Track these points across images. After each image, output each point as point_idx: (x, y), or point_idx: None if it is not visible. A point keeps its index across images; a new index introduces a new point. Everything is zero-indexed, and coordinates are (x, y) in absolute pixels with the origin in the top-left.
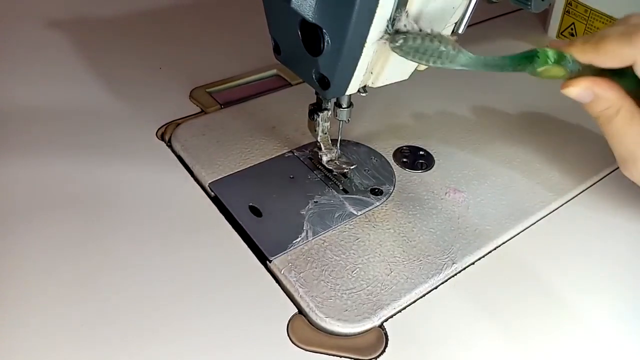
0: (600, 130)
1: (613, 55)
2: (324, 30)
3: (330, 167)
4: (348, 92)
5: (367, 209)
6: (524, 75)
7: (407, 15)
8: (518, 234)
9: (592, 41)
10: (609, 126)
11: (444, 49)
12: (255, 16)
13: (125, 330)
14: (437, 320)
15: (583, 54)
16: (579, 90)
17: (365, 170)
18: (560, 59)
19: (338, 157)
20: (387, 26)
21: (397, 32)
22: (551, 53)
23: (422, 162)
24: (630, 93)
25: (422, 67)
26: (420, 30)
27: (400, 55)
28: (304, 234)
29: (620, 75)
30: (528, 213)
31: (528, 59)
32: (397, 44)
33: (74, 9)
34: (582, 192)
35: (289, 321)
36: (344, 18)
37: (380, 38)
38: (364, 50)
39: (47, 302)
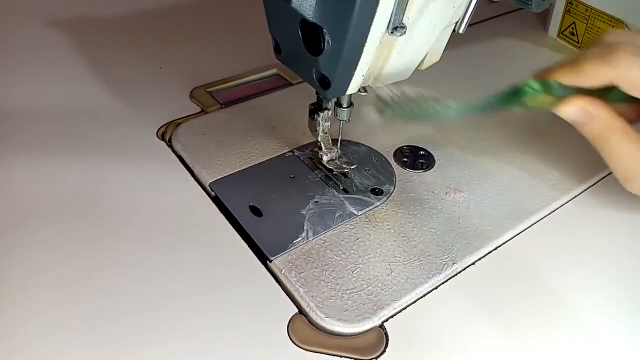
0: (598, 151)
1: (592, 76)
2: (325, 30)
3: (331, 167)
4: (348, 92)
5: (368, 209)
6: (525, 75)
7: (389, 91)
8: (518, 234)
9: (572, 64)
10: (606, 146)
11: (431, 110)
12: (256, 16)
13: (125, 330)
14: (438, 320)
15: (564, 77)
16: (574, 109)
17: (365, 170)
18: (546, 87)
19: (338, 157)
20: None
21: (381, 100)
22: (535, 84)
23: (422, 162)
24: (619, 109)
25: (423, 67)
26: (404, 95)
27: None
28: (304, 234)
29: (606, 92)
30: (528, 213)
31: (515, 95)
32: (388, 117)
33: (74, 8)
34: (582, 192)
35: (289, 321)
36: (345, 17)
37: (375, 111)
38: (365, 49)
39: (47, 302)
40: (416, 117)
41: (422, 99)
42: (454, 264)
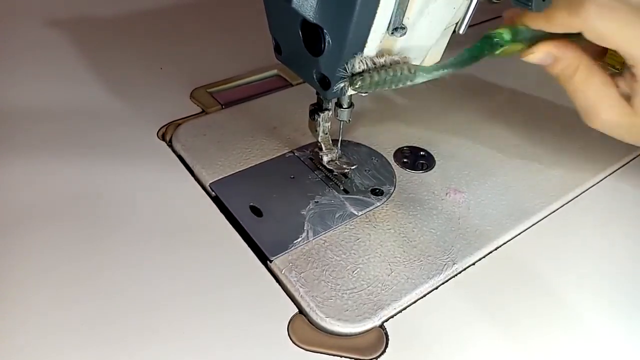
0: (562, 86)
1: (561, 24)
2: (325, 30)
3: (331, 167)
4: (349, 93)
5: (368, 209)
6: (525, 76)
7: (361, 56)
8: (519, 234)
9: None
10: (570, 83)
11: (399, 74)
12: (256, 16)
13: (125, 330)
14: (438, 321)
15: (534, 23)
16: (540, 55)
17: (365, 170)
18: (515, 35)
19: (339, 158)
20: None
21: (353, 74)
22: (506, 33)
23: (422, 163)
24: (586, 48)
25: None
26: (375, 65)
27: (362, 92)
28: (304, 234)
29: (572, 36)
30: (528, 213)
31: (486, 46)
32: (357, 86)
33: (74, 8)
34: (582, 192)
35: (290, 321)
36: (345, 18)
37: (340, 80)
38: (365, 50)
39: (47, 302)
40: (387, 85)
41: (393, 64)
42: (454, 264)
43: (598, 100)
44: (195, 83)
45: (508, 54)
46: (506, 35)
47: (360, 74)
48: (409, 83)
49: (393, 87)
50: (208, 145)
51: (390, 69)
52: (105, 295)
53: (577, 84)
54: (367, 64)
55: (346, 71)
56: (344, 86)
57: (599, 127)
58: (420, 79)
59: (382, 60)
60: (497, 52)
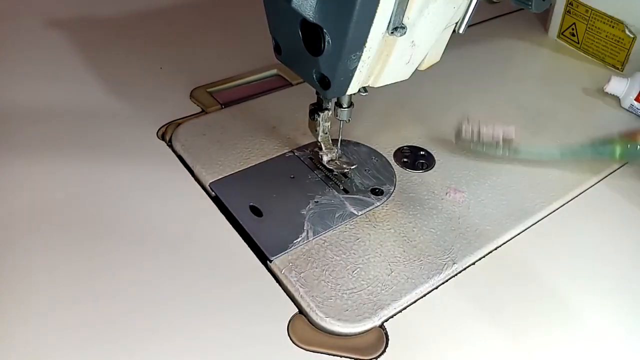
0: None
1: None
2: (325, 30)
3: (331, 167)
4: (348, 92)
5: (368, 209)
6: (525, 76)
7: (467, 121)
8: (518, 234)
9: None
10: None
11: (500, 152)
12: (256, 16)
13: (125, 330)
14: (438, 320)
15: None
16: None
17: (365, 170)
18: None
19: (339, 157)
20: (388, 27)
21: (458, 137)
22: (619, 149)
23: (422, 162)
24: None
25: (423, 67)
26: (479, 135)
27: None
28: (304, 234)
29: None
30: (528, 213)
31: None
32: (459, 143)
33: (74, 8)
34: (582, 192)
35: (290, 321)
36: (345, 18)
37: (454, 139)
38: (365, 50)
39: (47, 302)
40: (492, 154)
41: (496, 142)
42: (454, 264)
43: None
44: (195, 83)
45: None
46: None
47: (465, 140)
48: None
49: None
50: (208, 145)
51: (492, 146)
52: (105, 295)
53: None
54: (473, 134)
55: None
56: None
57: None
58: (525, 157)
59: (488, 137)
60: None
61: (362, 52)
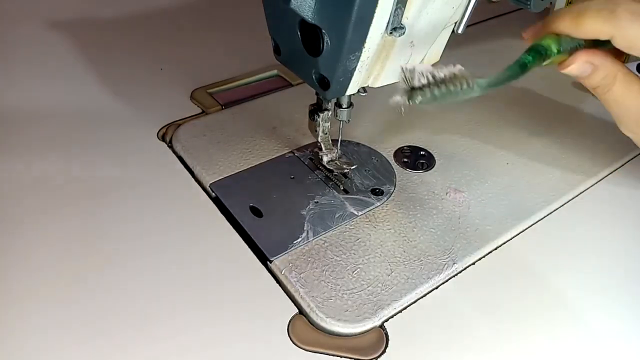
0: (600, 99)
1: (591, 31)
2: (324, 31)
3: (331, 168)
4: (348, 93)
5: (368, 209)
6: (525, 76)
7: (407, 69)
8: (519, 233)
9: (572, 16)
10: (609, 94)
11: (459, 89)
12: (256, 16)
13: (125, 330)
14: (438, 320)
15: (564, 28)
16: (580, 65)
17: (365, 170)
18: (560, 46)
19: (339, 158)
20: (386, 27)
21: (413, 88)
22: (553, 44)
23: (422, 162)
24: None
25: None
26: (434, 78)
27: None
28: (304, 234)
29: (599, 43)
30: (529, 213)
31: (536, 57)
32: (417, 101)
33: (74, 9)
34: (582, 192)
35: (290, 321)
36: (344, 18)
37: (401, 95)
38: (364, 50)
39: (47, 302)
40: (446, 99)
41: (451, 78)
42: (454, 264)
43: (638, 109)
44: (195, 83)
45: (549, 64)
46: (554, 46)
47: (421, 88)
48: (465, 97)
49: (450, 101)
50: (208, 146)
51: (450, 84)
52: (105, 295)
53: (617, 94)
54: (427, 77)
55: (407, 84)
56: (401, 99)
57: (638, 135)
58: (476, 93)
59: (441, 74)
60: (545, 63)
61: (361, 52)
